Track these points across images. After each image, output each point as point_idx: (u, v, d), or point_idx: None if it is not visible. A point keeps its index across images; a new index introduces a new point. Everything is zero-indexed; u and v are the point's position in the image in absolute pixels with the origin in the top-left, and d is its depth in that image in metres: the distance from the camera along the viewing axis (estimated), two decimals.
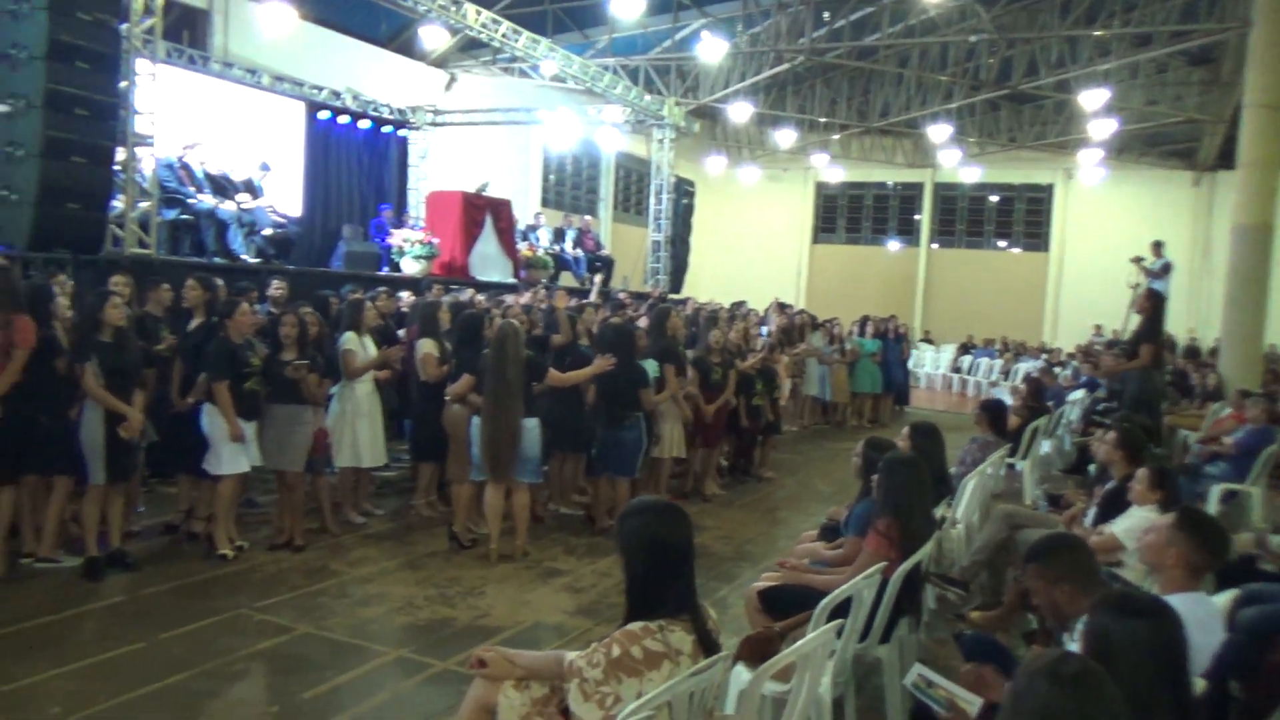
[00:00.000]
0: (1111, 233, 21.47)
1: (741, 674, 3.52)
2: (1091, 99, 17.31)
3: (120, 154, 8.91)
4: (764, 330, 12.00)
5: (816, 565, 4.49)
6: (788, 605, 3.93)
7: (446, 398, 6.70)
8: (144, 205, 9.28)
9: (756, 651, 3.45)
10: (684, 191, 17.84)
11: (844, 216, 27.59)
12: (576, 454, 7.73)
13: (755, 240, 26.56)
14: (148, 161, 9.36)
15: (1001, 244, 25.78)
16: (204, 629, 4.96)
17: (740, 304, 13.75)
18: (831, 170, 26.02)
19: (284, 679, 4.47)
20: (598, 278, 14.77)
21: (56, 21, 7.75)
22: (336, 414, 6.88)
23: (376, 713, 4.15)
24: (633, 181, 24.26)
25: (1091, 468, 7.53)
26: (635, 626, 2.54)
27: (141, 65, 9.13)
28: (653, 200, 17.51)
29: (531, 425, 6.39)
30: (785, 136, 22.56)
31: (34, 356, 5.40)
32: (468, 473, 6.62)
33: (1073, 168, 23.70)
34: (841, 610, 3.44)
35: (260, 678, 4.54)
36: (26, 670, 4.32)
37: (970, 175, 24.34)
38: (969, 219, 26.09)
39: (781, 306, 13.98)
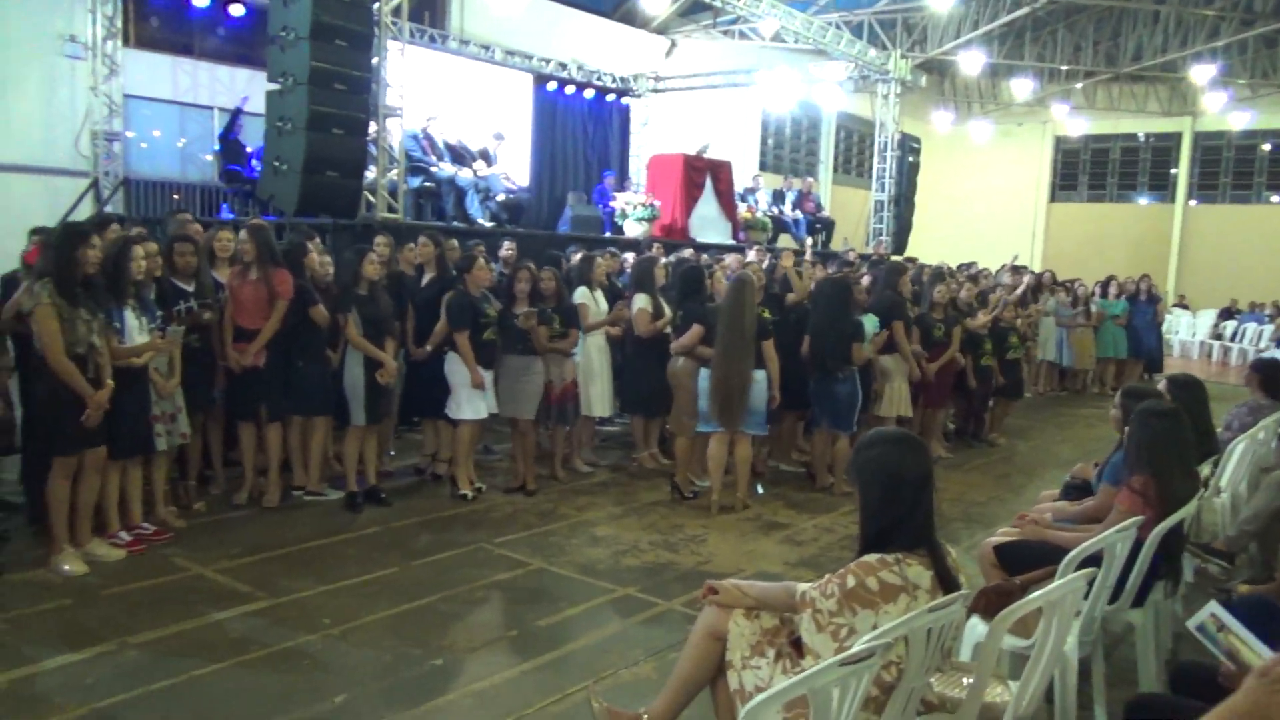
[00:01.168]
0: None
1: (977, 627, 3.37)
2: None
3: (371, 127, 9.63)
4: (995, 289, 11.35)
5: (1061, 523, 4.22)
6: (1026, 562, 3.71)
7: (672, 351, 6.79)
8: (393, 173, 9.97)
9: (994, 605, 3.27)
10: (909, 149, 17.12)
11: (1086, 172, 25.58)
12: (797, 411, 7.66)
13: (985, 199, 25.12)
14: (396, 133, 10.06)
15: (1275, 198, 23.04)
16: (448, 559, 5.33)
17: (969, 265, 13.08)
18: (1073, 122, 24.12)
19: (520, 607, 4.73)
20: (808, 240, 14.49)
21: (319, 4, 8.45)
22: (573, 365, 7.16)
23: (605, 644, 4.30)
24: (854, 142, 23.58)
25: None
26: (871, 558, 2.49)
27: (390, 43, 9.81)
28: (876, 159, 16.94)
29: (760, 378, 6.38)
30: (1021, 87, 21.13)
31: (293, 306, 5.96)
32: (688, 426, 6.72)
33: None
34: (1090, 567, 3.21)
35: (499, 605, 4.82)
36: (300, 586, 4.80)
37: (1239, 121, 21.87)
38: (1235, 171, 23.48)
39: (1015, 269, 13.17)
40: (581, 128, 16.49)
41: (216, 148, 11.72)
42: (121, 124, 11.62)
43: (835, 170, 22.88)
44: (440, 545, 5.54)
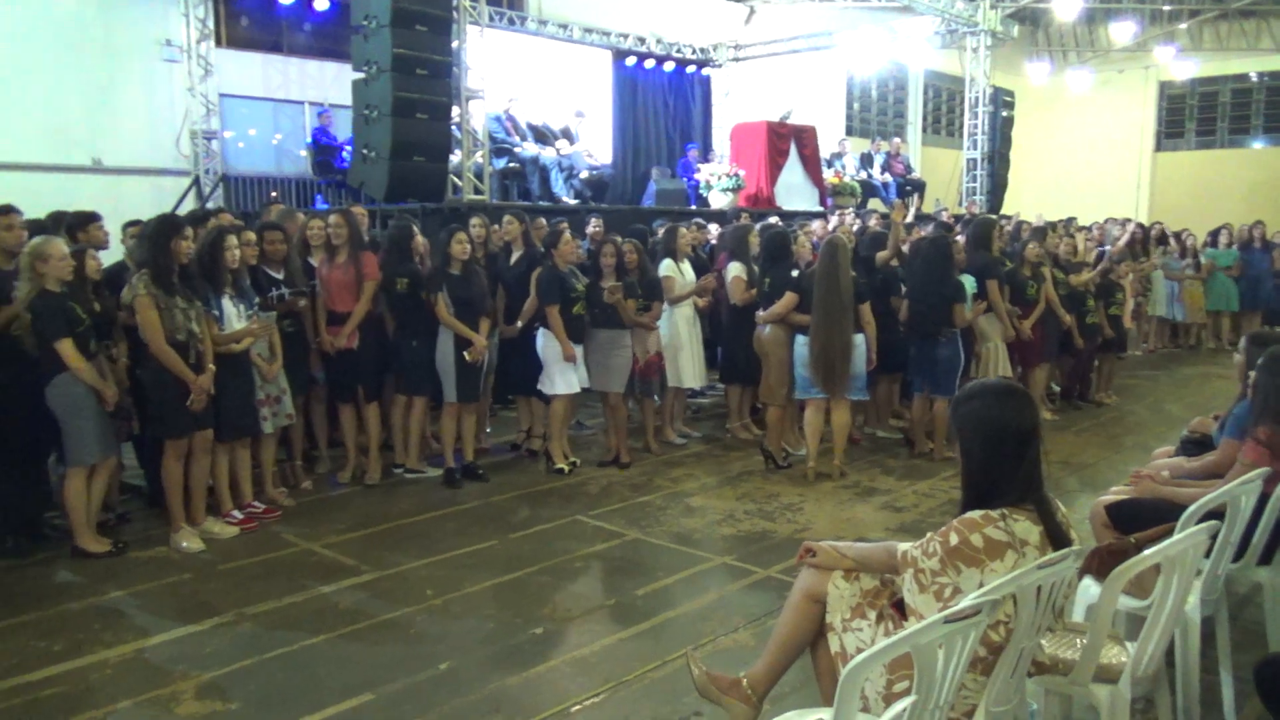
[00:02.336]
0: None
1: (1090, 588, 3.24)
2: None
3: (454, 111, 9.74)
4: (1104, 248, 10.88)
5: (1179, 479, 4.01)
6: (1141, 521, 3.55)
7: (758, 319, 6.70)
8: (477, 156, 10.08)
9: (1107, 565, 3.13)
10: (1002, 103, 16.49)
11: (1194, 118, 24.23)
12: (893, 375, 7.49)
13: (1084, 151, 24.03)
14: (478, 115, 10.15)
15: None
16: (545, 532, 5.38)
17: (1069, 220, 12.57)
18: (1179, 65, 22.85)
19: (618, 577, 4.75)
20: (901, 200, 14.11)
21: None
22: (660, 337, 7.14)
23: (704, 611, 4.29)
24: (943, 100, 22.85)
25: None
26: (974, 514, 2.39)
27: (469, 27, 9.89)
28: (967, 115, 16.37)
29: (859, 341, 6.25)
30: (1122, 31, 20.14)
31: (408, 289, 6.09)
32: (779, 394, 6.63)
33: None
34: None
35: (597, 575, 4.85)
36: (403, 559, 4.92)
37: None
38: None
39: (1122, 222, 12.61)
40: (662, 101, 16.36)
41: (309, 141, 12.04)
42: (219, 123, 12.02)
43: (924, 131, 22.22)
44: (537, 518, 5.60)
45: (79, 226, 5.89)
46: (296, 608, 4.32)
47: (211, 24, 11.81)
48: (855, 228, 8.94)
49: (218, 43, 12.05)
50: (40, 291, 4.67)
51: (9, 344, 4.82)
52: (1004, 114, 16.62)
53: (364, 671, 3.69)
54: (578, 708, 3.42)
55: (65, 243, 4.99)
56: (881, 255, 7.32)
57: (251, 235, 5.70)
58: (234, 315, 5.32)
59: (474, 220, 6.87)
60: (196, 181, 11.79)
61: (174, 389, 4.92)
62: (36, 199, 5.77)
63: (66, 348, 4.67)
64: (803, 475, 6.38)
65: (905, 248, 7.50)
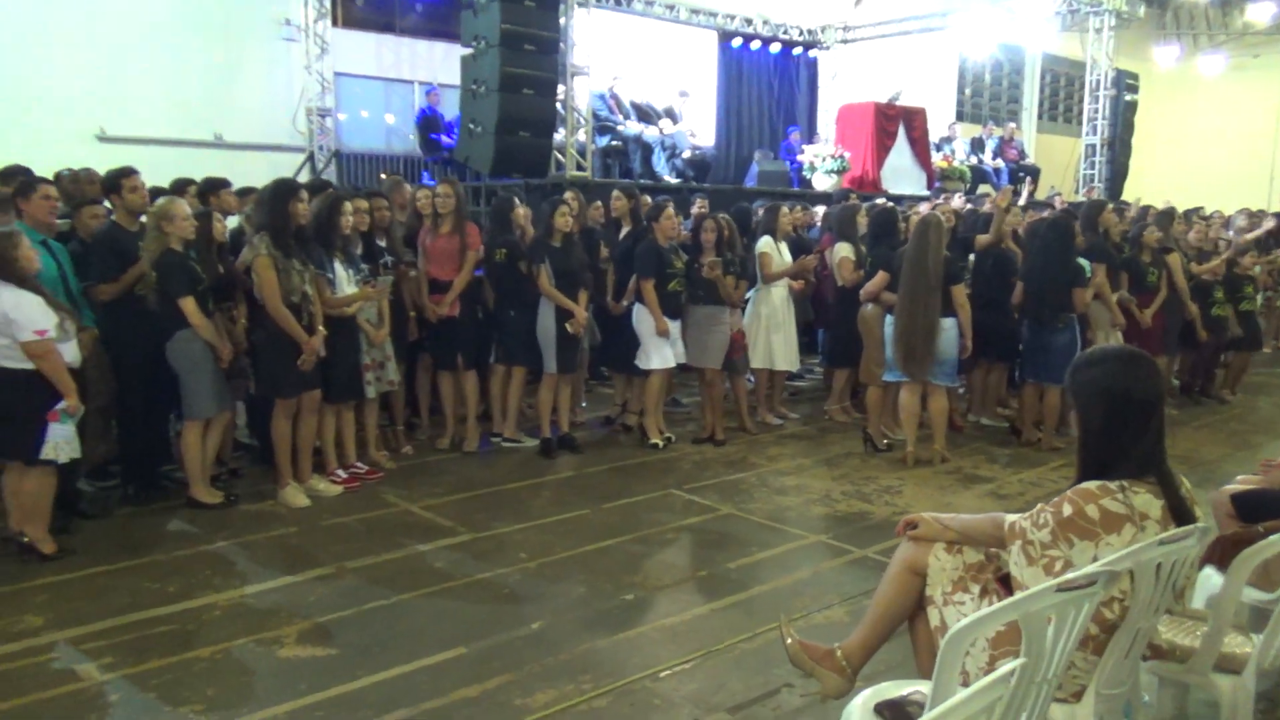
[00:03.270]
0: None
1: (1212, 578, 3.06)
2: None
3: (560, 88, 9.79)
4: (1230, 235, 10.30)
5: None
6: (1269, 511, 3.33)
7: (860, 297, 6.55)
8: (581, 133, 10.12)
9: (1232, 555, 2.96)
10: (1125, 87, 15.72)
11: None
12: (1000, 362, 7.24)
13: (1216, 140, 22.72)
14: (583, 93, 10.19)
15: None
16: (638, 503, 5.38)
17: (1195, 210, 11.93)
18: None
19: (710, 550, 4.71)
20: (1011, 187, 13.60)
21: None
22: (751, 317, 7.06)
23: (797, 587, 4.22)
24: (1061, 86, 21.96)
25: None
26: (1091, 485, 2.27)
27: (577, 5, 9.93)
28: (1087, 100, 15.67)
29: (949, 325, 6.05)
30: (1260, 12, 18.96)
31: (506, 260, 6.15)
32: (878, 375, 6.48)
33: None
34: None
35: (688, 547, 4.82)
36: (497, 523, 4.99)
37: None
38: None
39: (1252, 214, 11.89)
40: (767, 83, 16.14)
41: (416, 118, 12.29)
42: (333, 100, 12.38)
43: (1040, 117, 21.39)
44: (630, 490, 5.61)
45: (211, 191, 6.15)
46: (394, 563, 4.42)
47: (328, 4, 12.16)
48: (966, 209, 8.63)
49: (334, 22, 12.41)
50: (165, 250, 4.88)
51: (134, 303, 5.04)
52: (1127, 98, 15.84)
53: (457, 627, 3.76)
54: (667, 673, 3.40)
55: (191, 205, 5.20)
56: (981, 239, 7.07)
57: (364, 203, 5.85)
58: (345, 279, 5.46)
59: (568, 194, 6.90)
60: (311, 157, 12.19)
61: (286, 350, 5.09)
62: (159, 172, 6.02)
63: (188, 305, 4.87)
64: (902, 460, 6.22)
65: (1021, 231, 7.24)
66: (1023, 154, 16.17)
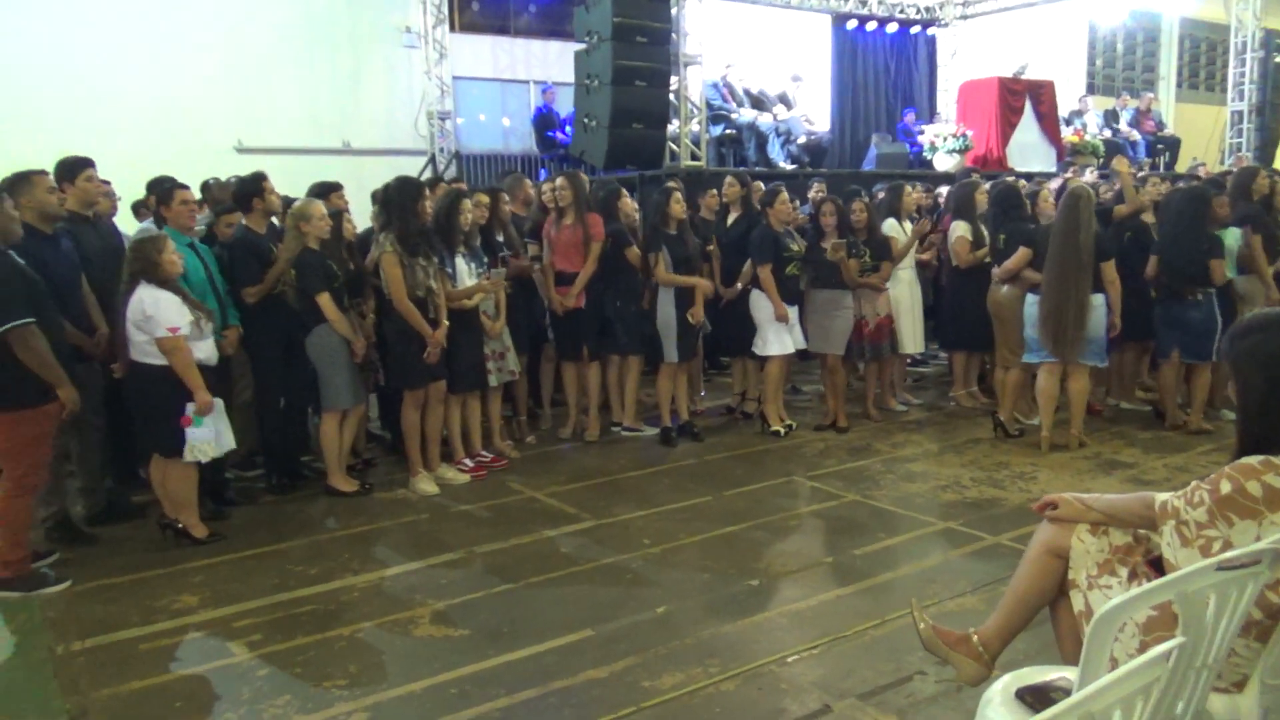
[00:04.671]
0: None
1: None
2: None
3: (672, 79, 9.79)
4: None
5: None
6: None
7: (994, 277, 6.32)
8: (695, 122, 10.10)
9: None
10: (1275, 48, 14.72)
11: None
12: (1142, 343, 6.87)
13: None
14: (696, 82, 10.16)
15: None
16: (760, 490, 5.34)
17: None
18: None
19: (835, 537, 4.63)
20: (1122, 156, 12.86)
21: None
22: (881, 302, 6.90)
23: (926, 574, 4.11)
24: (1202, 51, 20.65)
25: None
26: (1252, 460, 2.12)
27: None
28: (1232, 64, 14.71)
29: (1099, 303, 5.77)
30: None
31: (610, 249, 6.18)
32: (1013, 358, 6.25)
33: None
34: None
35: (813, 534, 4.75)
36: (620, 510, 5.03)
37: None
38: None
39: None
40: (883, 64, 15.70)
41: (533, 117, 12.50)
42: (452, 104, 12.72)
43: (1179, 86, 20.20)
44: (752, 477, 5.57)
45: (324, 195, 6.37)
46: (522, 548, 4.51)
47: (446, 10, 12.49)
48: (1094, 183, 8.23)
49: (451, 27, 12.75)
50: (303, 249, 5.10)
51: (270, 303, 5.29)
52: (1276, 60, 14.82)
53: (584, 610, 3.80)
54: (794, 658, 3.36)
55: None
56: (1119, 209, 6.71)
57: (484, 198, 5.98)
58: (465, 273, 5.60)
59: (670, 183, 6.88)
60: (432, 160, 12.55)
61: (413, 342, 5.25)
62: (292, 180, 6.29)
63: (325, 300, 5.08)
64: (1035, 445, 5.98)
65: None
66: (1161, 125, 15.31)
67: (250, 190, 5.46)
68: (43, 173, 4.57)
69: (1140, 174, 8.84)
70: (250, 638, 3.64)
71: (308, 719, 3.05)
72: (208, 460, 4.59)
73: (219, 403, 4.57)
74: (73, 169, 4.87)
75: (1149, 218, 6.71)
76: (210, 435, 4.53)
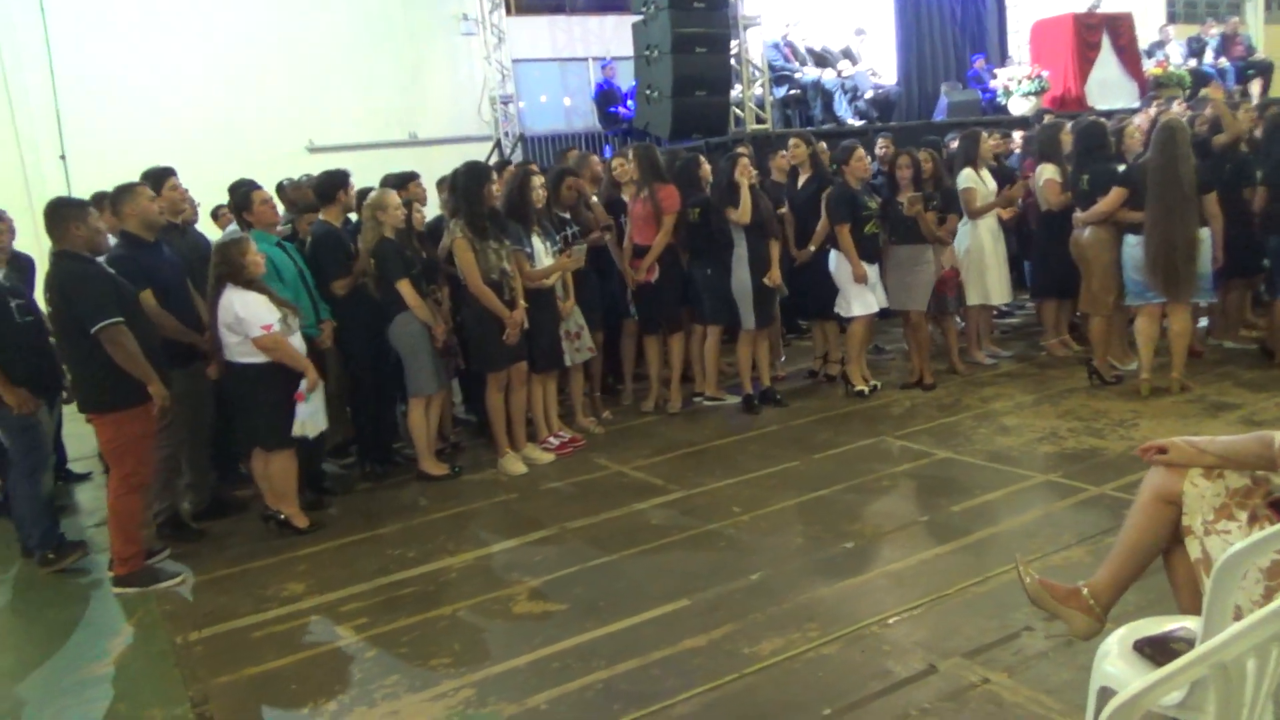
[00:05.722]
0: None
1: None
2: None
3: (733, 43, 9.64)
4: None
5: None
6: None
7: (1079, 221, 6.08)
8: (758, 85, 9.94)
9: None
10: None
11: None
12: (1245, 278, 6.55)
13: None
14: (756, 44, 9.98)
15: None
16: (849, 453, 5.26)
17: None
18: None
19: (929, 495, 4.54)
20: (1255, 85, 12.21)
21: None
22: (962, 253, 6.72)
23: (1029, 528, 4.00)
24: None
25: None
26: None
27: None
28: None
29: (1205, 236, 5.52)
30: None
31: (699, 219, 6.13)
32: (1104, 303, 6.01)
33: None
34: None
35: (906, 493, 4.67)
36: (708, 479, 5.01)
37: None
38: None
39: None
40: (949, 11, 15.18)
41: (594, 93, 12.46)
42: (513, 87, 12.76)
43: (1268, 8, 19.13)
44: (840, 439, 5.49)
45: (401, 185, 6.45)
46: (613, 522, 4.53)
47: None
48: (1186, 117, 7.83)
49: (507, 11, 12.77)
50: (381, 238, 5.19)
51: (355, 296, 5.38)
52: None
53: (679, 580, 3.80)
54: (895, 619, 3.30)
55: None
56: (1219, 138, 6.39)
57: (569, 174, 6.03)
58: (542, 252, 5.62)
59: (739, 148, 6.77)
60: (498, 144, 12.63)
61: (492, 325, 5.30)
62: (361, 174, 6.38)
63: (405, 287, 5.16)
64: (1134, 390, 5.77)
65: (1258, 132, 6.50)
66: (1250, 49, 14.50)
67: (336, 183, 5.57)
68: (145, 183, 4.75)
69: (1252, 103, 8.38)
70: (356, 621, 3.74)
71: (416, 697, 3.12)
72: (314, 437, 4.72)
73: (319, 383, 4.70)
74: (158, 179, 5.05)
75: (1245, 147, 6.37)
76: (315, 410, 4.67)
